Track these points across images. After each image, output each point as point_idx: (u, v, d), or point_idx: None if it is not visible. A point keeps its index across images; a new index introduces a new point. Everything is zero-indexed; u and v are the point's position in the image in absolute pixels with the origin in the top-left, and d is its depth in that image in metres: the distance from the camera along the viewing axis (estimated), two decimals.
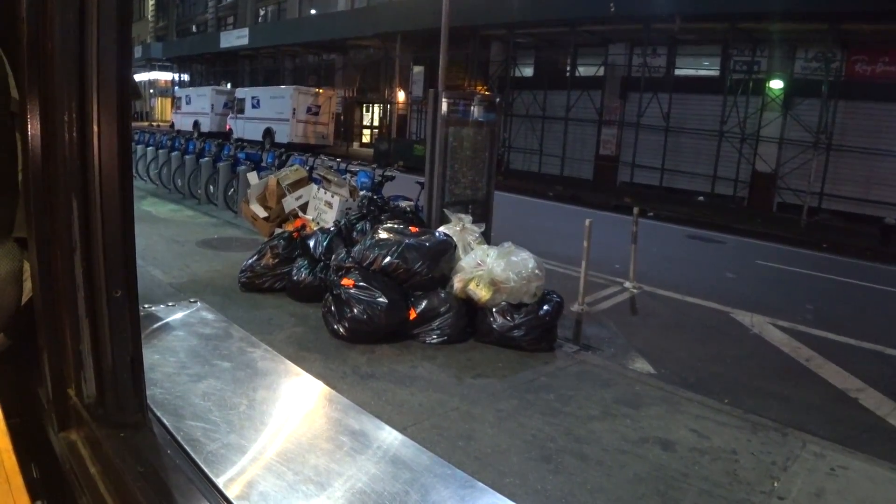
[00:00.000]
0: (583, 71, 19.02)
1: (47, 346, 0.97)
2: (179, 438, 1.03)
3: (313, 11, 30.17)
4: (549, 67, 20.34)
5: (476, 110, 6.44)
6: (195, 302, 1.62)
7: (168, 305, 1.55)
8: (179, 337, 1.45)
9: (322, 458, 1.04)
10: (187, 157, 11.08)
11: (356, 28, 23.83)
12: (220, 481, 0.93)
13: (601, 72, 18.80)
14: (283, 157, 9.94)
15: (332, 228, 6.17)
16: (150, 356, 1.23)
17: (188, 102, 30.27)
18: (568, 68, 19.04)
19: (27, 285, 1.10)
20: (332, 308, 4.87)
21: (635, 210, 7.37)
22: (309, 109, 23.92)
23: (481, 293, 4.92)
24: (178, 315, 1.54)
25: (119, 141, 0.87)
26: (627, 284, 7.18)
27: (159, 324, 1.46)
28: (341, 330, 4.75)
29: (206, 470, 0.96)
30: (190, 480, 0.94)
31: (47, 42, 0.91)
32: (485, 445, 3.43)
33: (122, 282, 0.89)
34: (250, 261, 5.83)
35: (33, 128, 0.92)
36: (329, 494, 0.95)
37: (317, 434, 1.17)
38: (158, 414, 1.08)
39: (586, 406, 4.03)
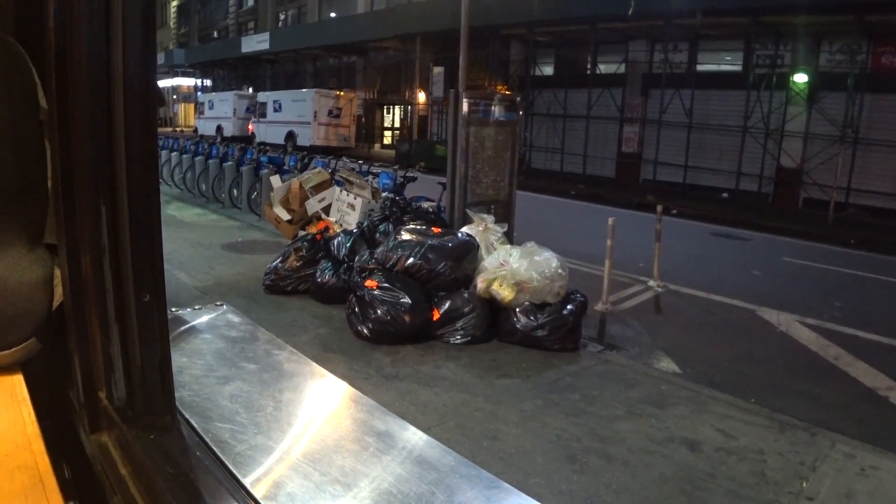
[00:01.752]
0: (603, 68, 18.91)
1: (78, 349, 0.99)
2: (208, 440, 1.04)
3: (333, 14, 30.35)
4: (569, 65, 20.25)
5: (497, 110, 6.44)
6: (221, 305, 1.64)
7: (195, 309, 1.57)
8: (206, 340, 1.46)
9: (348, 458, 1.04)
10: (210, 161, 11.21)
11: (376, 30, 23.93)
12: (247, 482, 0.94)
13: (622, 69, 18.68)
14: (306, 160, 10.02)
15: (355, 230, 6.21)
16: (177, 359, 1.24)
17: (211, 107, 30.63)
18: (589, 66, 18.93)
19: (58, 290, 1.12)
20: (356, 309, 4.90)
21: (659, 208, 7.31)
22: (330, 112, 24.07)
23: (504, 293, 4.92)
24: (205, 318, 1.56)
25: (145, 147, 0.89)
26: (652, 283, 7.13)
27: (186, 327, 1.47)
28: (365, 331, 4.78)
29: (234, 471, 0.97)
30: (218, 481, 0.95)
31: (74, 51, 0.92)
32: (509, 446, 3.42)
33: (150, 286, 0.90)
34: (274, 263, 5.89)
35: (62, 136, 0.94)
36: (355, 495, 0.95)
37: (343, 435, 1.17)
38: (187, 416, 1.09)
39: (611, 406, 4.01)
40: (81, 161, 0.92)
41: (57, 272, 1.14)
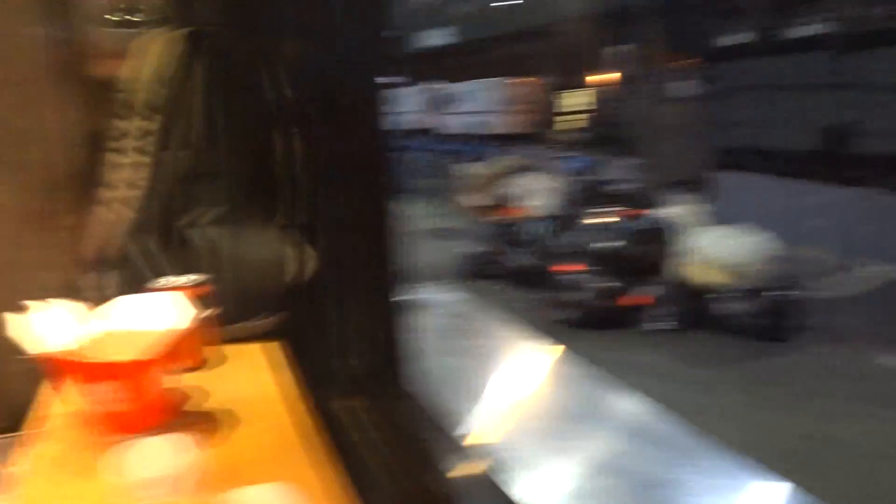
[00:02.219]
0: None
1: (331, 320, 1.06)
2: (441, 409, 1.08)
3: (519, 0, 30.30)
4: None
5: (689, 86, 6.07)
6: (444, 283, 1.70)
7: (422, 286, 1.64)
8: (435, 315, 1.53)
9: (574, 427, 1.03)
10: (407, 152, 11.71)
11: (559, 11, 23.51)
12: (477, 448, 0.96)
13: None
14: (495, 148, 10.13)
15: (547, 214, 6.17)
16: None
17: (405, 102, 31.94)
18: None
19: (309, 265, 1.21)
20: (550, 293, 4.88)
21: None
22: (515, 100, 24.15)
23: (709, 277, 4.63)
24: (433, 296, 1.63)
25: (378, 131, 0.92)
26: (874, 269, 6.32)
27: (417, 303, 1.55)
28: (560, 315, 4.75)
29: (465, 437, 0.99)
30: (452, 448, 0.98)
31: (296, 38, 0.98)
32: (716, 438, 3.23)
33: (397, 261, 0.95)
34: (469, 249, 6.03)
35: (301, 122, 1.00)
36: (579, 462, 0.94)
37: (566, 405, 1.17)
38: (422, 386, 1.14)
39: (830, 400, 3.63)
40: (331, 146, 0.98)
41: (306, 249, 1.24)
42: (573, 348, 4.30)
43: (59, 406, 0.97)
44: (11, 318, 0.83)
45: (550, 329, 4.71)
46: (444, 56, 34.31)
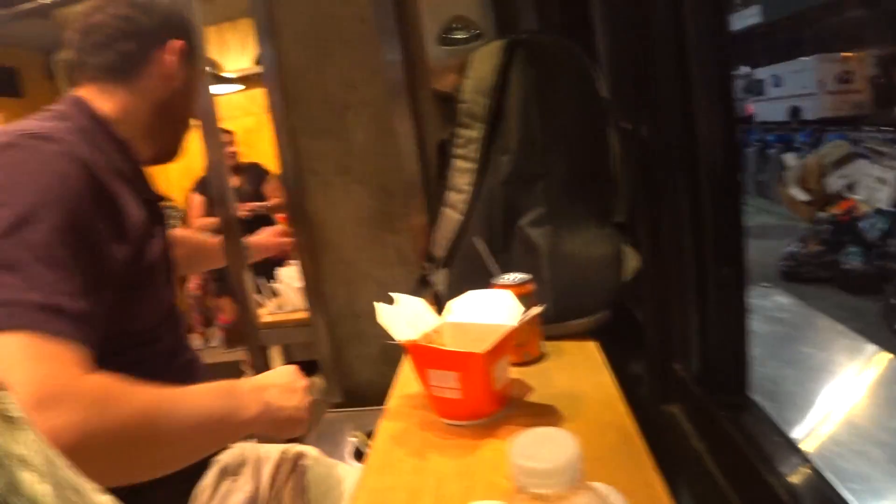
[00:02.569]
0: None
1: (654, 321, 1.03)
2: (780, 424, 0.98)
3: None
4: None
5: None
6: (769, 286, 1.56)
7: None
8: (759, 320, 1.40)
9: None
10: None
11: None
12: (823, 469, 0.85)
13: None
14: (818, 134, 9.05)
15: (889, 208, 5.32)
16: None
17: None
18: None
19: (628, 265, 1.20)
20: (895, 301, 4.20)
21: None
22: (839, 78, 21.23)
23: None
24: (753, 299, 1.50)
25: (724, 112, 0.86)
26: None
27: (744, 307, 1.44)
28: None
29: (808, 457, 0.89)
30: (794, 469, 0.88)
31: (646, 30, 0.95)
32: None
33: (730, 258, 0.88)
34: (791, 248, 5.47)
35: (639, 114, 0.98)
36: None
37: None
38: (755, 397, 1.05)
39: None
40: (658, 137, 0.95)
41: (626, 248, 1.22)
42: None
43: (406, 388, 1.09)
44: (379, 307, 0.95)
45: (892, 341, 4.06)
46: (748, 39, 31.60)
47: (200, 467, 1.02)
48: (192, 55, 1.14)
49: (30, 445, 0.40)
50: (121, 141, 1.02)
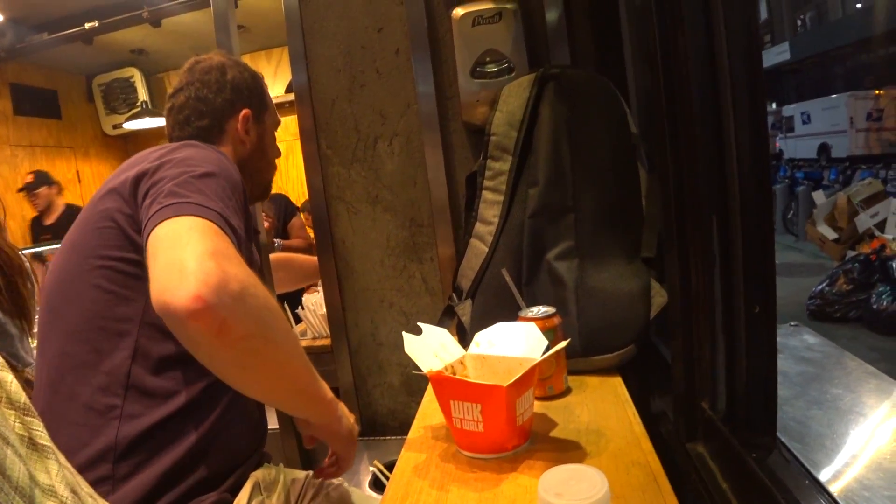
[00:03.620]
0: None
1: (682, 358, 1.02)
2: (808, 467, 0.96)
3: (859, 6, 26.50)
4: None
5: None
6: (796, 325, 1.54)
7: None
8: (787, 360, 1.39)
9: None
10: None
11: None
12: None
13: None
14: (848, 172, 8.96)
15: None
16: None
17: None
18: None
19: (655, 301, 1.19)
20: None
21: None
22: (869, 115, 20.98)
23: None
24: (781, 338, 1.48)
25: (757, 154, 0.86)
26: None
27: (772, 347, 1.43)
28: None
29: (835, 497, 0.87)
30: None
31: (680, 67, 0.96)
32: None
33: (760, 298, 0.87)
34: (820, 287, 5.37)
35: (672, 153, 0.98)
36: None
37: None
38: (782, 438, 1.03)
39: None
40: (690, 174, 0.95)
41: (654, 284, 1.21)
42: None
43: (428, 419, 1.09)
44: (406, 337, 0.96)
45: None
46: (778, 76, 31.47)
47: (239, 482, 1.06)
48: (260, 115, 1.35)
49: (54, 474, 0.41)
50: None
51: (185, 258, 0.77)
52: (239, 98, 1.30)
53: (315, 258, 1.93)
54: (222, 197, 0.94)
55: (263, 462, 1.16)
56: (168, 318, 0.76)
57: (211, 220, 0.86)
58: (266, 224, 3.62)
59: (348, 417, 1.14)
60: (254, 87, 1.34)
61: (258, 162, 1.36)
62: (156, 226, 0.84)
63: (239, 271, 0.80)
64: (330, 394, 1.05)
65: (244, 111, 1.30)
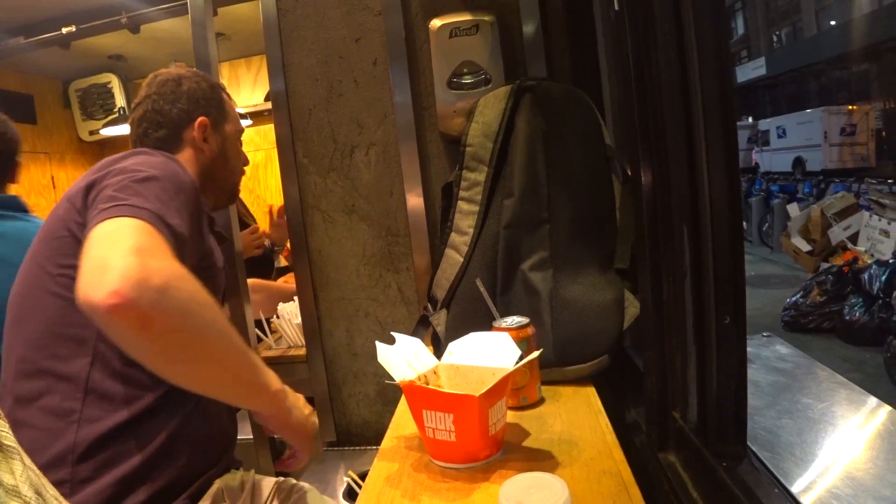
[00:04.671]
0: None
1: (654, 368, 1.03)
2: (779, 476, 0.97)
3: (833, 23, 27.03)
4: None
5: None
6: (769, 336, 1.56)
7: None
8: (759, 370, 1.40)
9: None
10: None
11: (891, 28, 20.40)
12: None
13: None
14: (822, 186, 9.12)
15: (891, 260, 5.32)
16: None
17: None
18: None
19: (628, 312, 1.20)
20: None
21: None
22: (843, 130, 21.38)
23: None
24: (753, 349, 1.50)
25: (727, 168, 0.88)
26: None
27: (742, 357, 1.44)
28: None
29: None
30: None
31: (653, 81, 0.97)
32: None
33: (731, 308, 0.88)
34: (794, 298, 5.45)
35: (645, 166, 0.99)
36: None
37: None
38: (753, 448, 1.04)
39: None
40: (662, 186, 0.96)
41: (627, 294, 1.22)
42: None
43: (401, 429, 1.08)
44: (379, 347, 0.95)
45: (894, 394, 4.03)
46: (754, 91, 31.92)
47: (202, 488, 1.05)
48: (220, 124, 1.38)
49: (18, 474, 0.40)
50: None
51: (109, 256, 0.79)
52: (196, 107, 1.34)
53: (293, 286, 1.94)
54: (162, 198, 0.96)
55: (231, 468, 1.15)
56: (91, 315, 0.77)
57: (143, 219, 0.88)
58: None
59: (302, 409, 1.11)
60: (211, 97, 1.37)
61: (221, 169, 1.39)
62: (91, 229, 0.86)
63: (163, 265, 0.81)
64: (276, 384, 1.03)
65: (200, 119, 1.33)
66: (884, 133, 23.42)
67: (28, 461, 0.45)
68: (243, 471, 1.21)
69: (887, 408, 1.27)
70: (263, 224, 2.70)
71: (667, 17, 0.93)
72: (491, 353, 0.97)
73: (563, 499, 0.42)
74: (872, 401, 1.30)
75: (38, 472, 0.38)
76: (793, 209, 7.71)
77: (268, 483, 1.25)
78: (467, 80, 1.57)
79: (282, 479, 1.27)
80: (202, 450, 1.07)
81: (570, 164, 1.29)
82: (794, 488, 0.99)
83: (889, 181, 9.02)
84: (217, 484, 1.07)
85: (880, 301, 4.91)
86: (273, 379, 1.03)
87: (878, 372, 4.33)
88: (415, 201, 1.74)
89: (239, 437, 1.94)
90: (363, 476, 1.43)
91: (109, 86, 4.95)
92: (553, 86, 1.37)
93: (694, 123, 0.89)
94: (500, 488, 0.44)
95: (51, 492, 0.36)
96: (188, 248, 0.98)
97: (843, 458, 1.11)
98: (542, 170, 1.28)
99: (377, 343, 0.95)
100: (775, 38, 34.47)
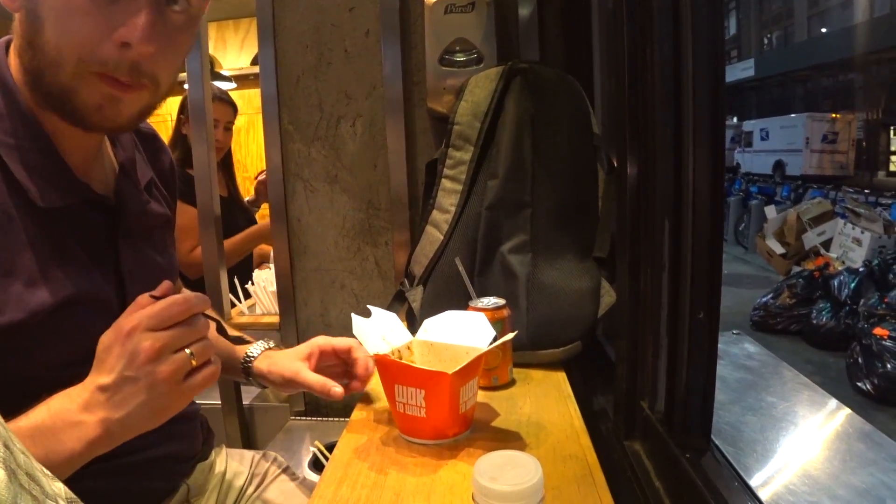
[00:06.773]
0: None
1: (625, 357, 1.04)
2: (739, 470, 0.99)
3: (824, 30, 27.26)
4: None
5: None
6: (738, 334, 1.58)
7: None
8: (726, 366, 1.43)
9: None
10: None
11: (880, 39, 20.65)
12: None
13: None
14: (800, 190, 9.24)
15: (861, 268, 5.43)
16: None
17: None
18: None
19: (604, 300, 1.21)
20: (859, 360, 4.26)
21: None
22: (825, 137, 21.63)
23: None
24: (723, 345, 1.52)
25: (713, 164, 0.88)
26: None
27: (712, 353, 1.46)
28: (867, 386, 4.12)
29: (763, 502, 0.90)
30: None
31: (646, 74, 0.97)
32: None
33: (705, 304, 0.89)
34: (764, 299, 5.53)
35: (631, 157, 0.99)
36: None
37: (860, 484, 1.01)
38: (716, 441, 1.06)
39: None
40: (647, 179, 0.97)
41: (604, 283, 1.23)
42: (877, 424, 3.70)
43: (372, 402, 1.09)
44: (355, 319, 0.95)
45: (853, 399, 4.12)
46: (740, 91, 32.14)
47: (170, 487, 0.99)
48: None
49: None
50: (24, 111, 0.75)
51: None
52: None
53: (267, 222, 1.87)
54: None
55: (196, 464, 1.07)
56: None
57: None
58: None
59: (129, 384, 0.67)
60: None
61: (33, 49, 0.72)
62: None
63: None
64: (70, 447, 0.65)
65: None
66: (864, 143, 23.76)
67: None
68: (215, 450, 1.14)
69: (846, 410, 1.30)
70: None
71: (665, 11, 0.93)
72: (465, 332, 0.97)
73: (537, 477, 0.43)
74: (833, 403, 1.33)
75: (5, 425, 0.37)
76: (770, 211, 7.81)
77: (238, 470, 1.17)
78: (459, 57, 1.56)
79: (252, 454, 1.22)
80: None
81: (557, 151, 1.28)
82: (754, 482, 1.01)
83: (866, 191, 9.16)
84: (183, 486, 1.01)
85: (847, 308, 5.01)
86: (71, 437, 0.65)
87: (840, 376, 4.43)
88: (398, 176, 1.73)
89: (207, 403, 1.93)
90: (330, 447, 1.43)
91: None
92: (545, 70, 1.36)
93: (683, 119, 0.89)
94: (474, 464, 0.44)
95: (18, 445, 0.35)
96: None
97: (801, 456, 1.13)
98: (528, 154, 1.28)
99: (353, 315, 0.95)
100: (766, 41, 34.63)
